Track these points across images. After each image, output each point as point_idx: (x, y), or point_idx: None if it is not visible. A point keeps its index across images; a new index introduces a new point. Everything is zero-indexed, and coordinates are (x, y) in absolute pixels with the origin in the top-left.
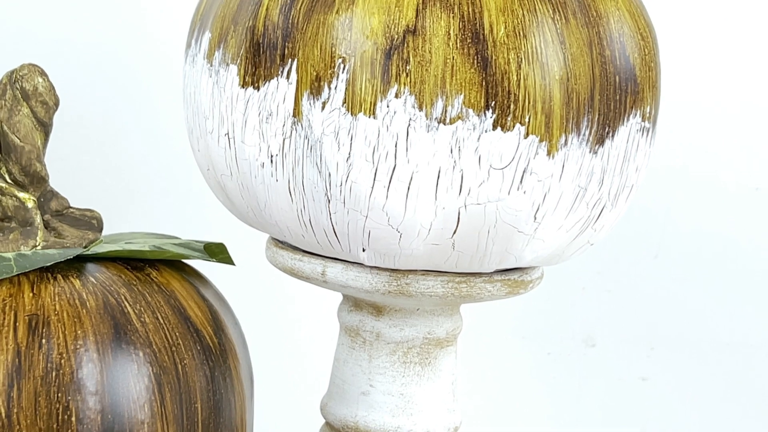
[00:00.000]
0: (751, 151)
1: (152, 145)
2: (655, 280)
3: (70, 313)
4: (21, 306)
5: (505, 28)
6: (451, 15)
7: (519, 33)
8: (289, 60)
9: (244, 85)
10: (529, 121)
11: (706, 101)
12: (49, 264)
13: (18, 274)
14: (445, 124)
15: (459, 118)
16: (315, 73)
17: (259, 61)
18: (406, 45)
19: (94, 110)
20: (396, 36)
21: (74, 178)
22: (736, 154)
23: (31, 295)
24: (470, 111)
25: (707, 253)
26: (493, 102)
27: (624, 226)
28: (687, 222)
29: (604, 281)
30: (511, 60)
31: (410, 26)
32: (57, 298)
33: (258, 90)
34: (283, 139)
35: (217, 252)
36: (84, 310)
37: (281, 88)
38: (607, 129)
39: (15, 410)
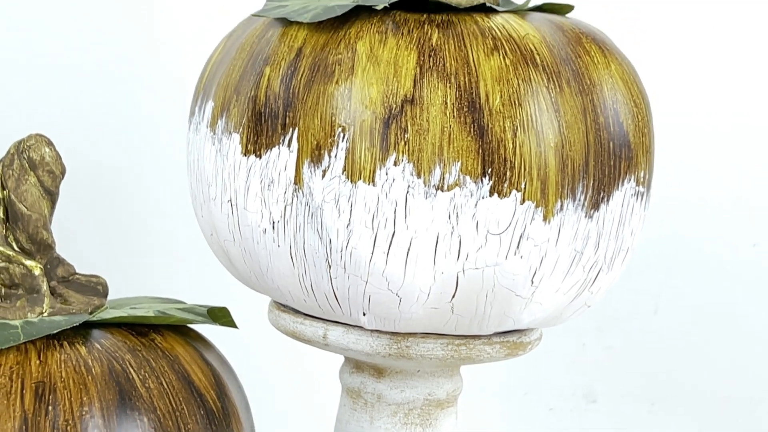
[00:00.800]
0: (748, 207)
1: (156, 210)
2: (655, 335)
3: (76, 380)
4: (28, 373)
5: (501, 97)
6: (448, 84)
7: (514, 102)
8: (290, 129)
9: (246, 153)
10: (525, 188)
11: (703, 160)
12: (55, 331)
13: (25, 342)
14: (442, 191)
15: (456, 184)
16: (315, 142)
17: (261, 130)
18: (404, 114)
19: (100, 175)
20: (394, 105)
21: (80, 242)
22: (733, 211)
23: (37, 362)
24: (467, 178)
25: (706, 309)
26: (490, 169)
27: (624, 282)
28: (685, 278)
29: (604, 337)
30: (506, 128)
31: (408, 96)
32: (63, 365)
33: (260, 158)
34: (285, 206)
35: (220, 316)
36: (90, 377)
37: (282, 157)
38: (602, 194)
39: None
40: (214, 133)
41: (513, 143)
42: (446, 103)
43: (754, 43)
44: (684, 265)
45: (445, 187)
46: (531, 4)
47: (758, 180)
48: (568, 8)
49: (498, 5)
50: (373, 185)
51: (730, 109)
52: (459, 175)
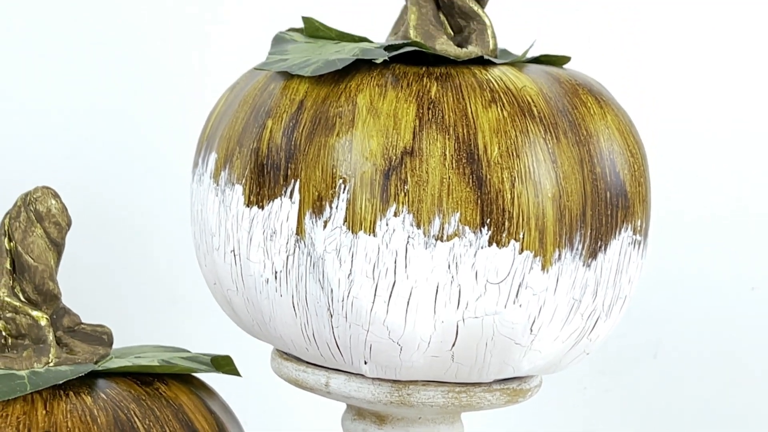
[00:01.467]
0: (746, 251)
1: (160, 259)
2: (655, 379)
3: (81, 430)
4: (35, 423)
5: (499, 148)
6: (447, 136)
7: (512, 153)
8: (292, 180)
9: (249, 204)
10: (523, 238)
11: (700, 203)
12: (61, 381)
13: (32, 392)
14: (442, 241)
15: (456, 235)
16: (317, 193)
17: (264, 182)
18: (403, 166)
19: (104, 225)
20: (394, 157)
21: (85, 290)
22: (731, 255)
23: (44, 412)
24: (466, 228)
25: (706, 353)
26: (489, 219)
27: (623, 326)
28: (685, 322)
29: (605, 380)
30: (504, 179)
31: (407, 148)
32: (69, 415)
33: (262, 209)
34: (287, 256)
35: (223, 364)
36: (95, 427)
37: (285, 208)
38: (599, 243)
39: None
40: (218, 185)
41: (511, 194)
42: (445, 155)
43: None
44: (683, 309)
45: (445, 237)
46: (528, 56)
47: (755, 224)
48: (565, 59)
49: (495, 57)
50: (374, 236)
51: (727, 153)
52: (458, 226)
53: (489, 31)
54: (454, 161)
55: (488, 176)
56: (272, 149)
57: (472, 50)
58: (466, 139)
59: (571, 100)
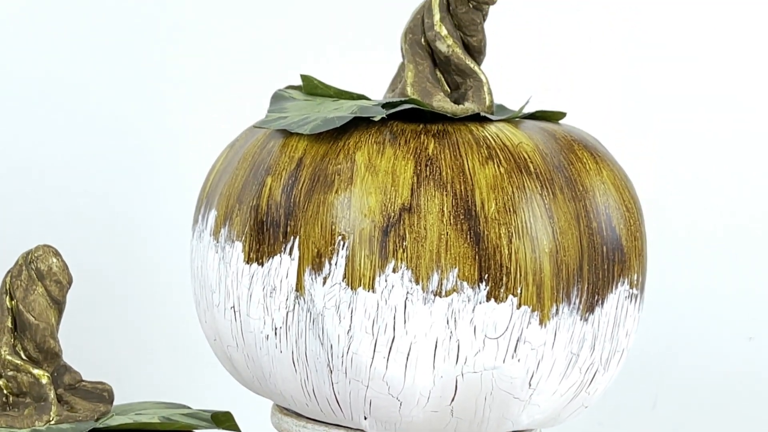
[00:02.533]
0: (743, 302)
1: (160, 315)
2: (653, 429)
3: None
4: None
5: (496, 204)
6: (445, 193)
7: (509, 209)
8: (292, 237)
9: (248, 261)
10: (521, 293)
11: (697, 254)
12: None
13: None
14: (441, 297)
15: (454, 290)
16: (316, 250)
17: (263, 239)
18: (402, 222)
19: (104, 282)
20: (392, 214)
21: (86, 346)
22: (729, 306)
23: None
24: (465, 284)
25: (703, 403)
26: (487, 275)
27: (621, 378)
28: (683, 372)
29: (604, 431)
30: (502, 235)
31: (406, 204)
32: None
33: (262, 266)
34: (287, 313)
35: (223, 420)
36: None
37: (284, 264)
38: (596, 297)
39: None
40: (218, 241)
41: (508, 249)
42: (443, 211)
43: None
44: (680, 361)
45: (443, 293)
46: (525, 111)
47: (752, 276)
48: (560, 115)
49: (492, 113)
50: (373, 292)
51: (723, 205)
52: (456, 281)
53: (485, 88)
54: (451, 217)
55: (486, 232)
56: (272, 206)
57: (469, 107)
58: (463, 195)
59: (567, 156)
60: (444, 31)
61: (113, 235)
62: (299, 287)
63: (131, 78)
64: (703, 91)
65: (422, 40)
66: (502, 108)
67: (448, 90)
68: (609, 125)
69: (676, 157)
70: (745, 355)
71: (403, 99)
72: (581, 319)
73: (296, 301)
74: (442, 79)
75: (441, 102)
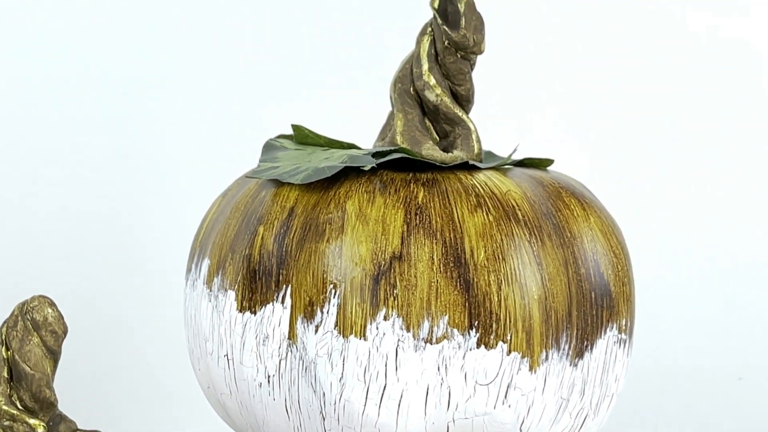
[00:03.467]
0: (732, 342)
1: (153, 363)
2: None
3: None
4: None
5: (485, 252)
6: (435, 241)
7: (498, 256)
8: (284, 286)
9: (241, 309)
10: (511, 339)
11: (686, 292)
12: None
13: None
14: (431, 344)
15: (445, 337)
16: (308, 299)
17: (256, 287)
18: (392, 270)
19: (99, 331)
20: (383, 262)
21: (81, 396)
22: (718, 346)
23: None
24: (455, 331)
25: None
26: (477, 322)
27: (612, 422)
28: (673, 415)
29: None
30: (491, 282)
31: (396, 253)
32: None
33: (255, 314)
34: (279, 361)
35: None
36: None
37: (276, 313)
38: (585, 343)
39: None
40: (211, 290)
41: (498, 296)
42: (433, 259)
43: None
44: (670, 402)
45: (434, 340)
46: (514, 157)
47: (741, 316)
48: (548, 162)
49: (480, 161)
50: (365, 339)
51: (711, 249)
52: (447, 328)
53: (473, 136)
54: (441, 265)
55: (475, 279)
56: (264, 255)
57: (458, 155)
58: (453, 243)
59: (555, 203)
60: (432, 81)
61: (106, 282)
62: (292, 335)
63: (124, 126)
64: (692, 137)
65: (411, 89)
66: (490, 155)
67: (437, 138)
68: (597, 171)
69: (663, 201)
70: (735, 394)
71: (392, 148)
72: (570, 365)
73: (289, 348)
74: (431, 127)
75: (430, 150)
